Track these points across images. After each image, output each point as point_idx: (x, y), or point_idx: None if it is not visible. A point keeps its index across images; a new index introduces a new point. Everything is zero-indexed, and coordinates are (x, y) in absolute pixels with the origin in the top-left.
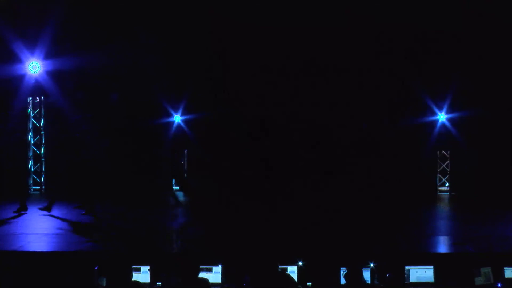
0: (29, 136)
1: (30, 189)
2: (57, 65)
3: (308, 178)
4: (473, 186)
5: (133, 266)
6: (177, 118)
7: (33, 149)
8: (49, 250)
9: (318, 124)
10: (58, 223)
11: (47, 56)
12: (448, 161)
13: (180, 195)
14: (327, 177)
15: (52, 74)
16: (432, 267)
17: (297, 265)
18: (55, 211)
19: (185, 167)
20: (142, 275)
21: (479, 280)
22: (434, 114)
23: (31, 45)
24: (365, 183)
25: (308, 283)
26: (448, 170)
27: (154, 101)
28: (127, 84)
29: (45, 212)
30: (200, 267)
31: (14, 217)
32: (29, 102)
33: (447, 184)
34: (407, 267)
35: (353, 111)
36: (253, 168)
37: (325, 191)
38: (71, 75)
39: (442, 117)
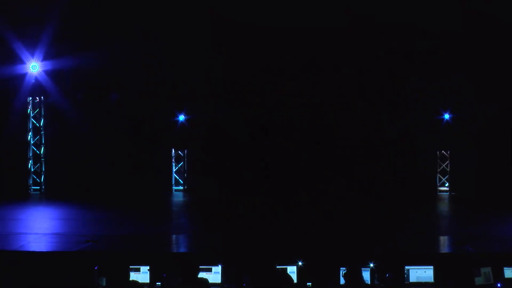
0: (29, 136)
1: (30, 189)
2: (57, 65)
3: (308, 178)
4: (473, 186)
5: (132, 266)
6: (181, 117)
7: (33, 149)
8: (49, 250)
9: (318, 124)
10: (58, 223)
11: (46, 56)
12: (448, 161)
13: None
14: (327, 177)
15: (52, 74)
16: (431, 267)
17: (297, 265)
18: (54, 212)
19: (185, 167)
20: (142, 275)
21: (479, 280)
22: (435, 114)
23: (31, 45)
24: (365, 183)
25: (308, 283)
26: (448, 170)
27: (154, 101)
28: (127, 84)
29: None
30: (200, 267)
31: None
32: (29, 102)
33: (447, 184)
34: (406, 267)
35: (353, 111)
36: (253, 168)
37: (325, 191)
38: (71, 75)
39: (442, 117)
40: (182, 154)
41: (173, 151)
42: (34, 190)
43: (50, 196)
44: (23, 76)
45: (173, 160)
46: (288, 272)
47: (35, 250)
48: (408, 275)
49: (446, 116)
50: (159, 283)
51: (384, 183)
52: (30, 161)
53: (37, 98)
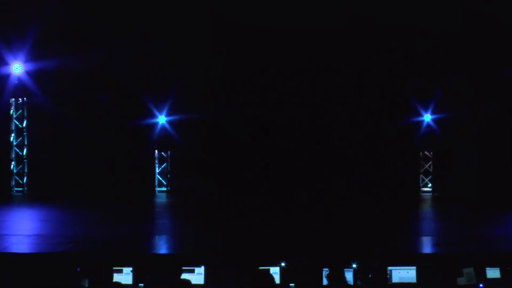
0: (12, 138)
1: (13, 191)
2: (40, 66)
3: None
4: (456, 186)
5: (115, 268)
6: (162, 119)
7: (16, 150)
8: (31, 252)
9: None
10: (40, 224)
11: (30, 57)
12: (430, 162)
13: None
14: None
15: (36, 75)
16: (414, 267)
17: (280, 266)
18: (37, 213)
19: (169, 167)
20: (125, 276)
21: (461, 281)
22: (419, 115)
23: (14, 46)
24: (349, 184)
25: (290, 284)
26: (431, 170)
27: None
28: (115, 85)
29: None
30: (183, 268)
31: None
32: (11, 103)
33: (429, 185)
34: (389, 268)
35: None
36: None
37: (309, 192)
38: (55, 76)
39: (426, 117)
40: (165, 155)
41: (156, 152)
42: (17, 191)
43: (33, 197)
44: (6, 77)
45: (156, 161)
46: (271, 272)
47: (18, 251)
48: (391, 276)
49: (427, 117)
50: (142, 285)
51: (367, 184)
52: (13, 163)
53: (20, 99)
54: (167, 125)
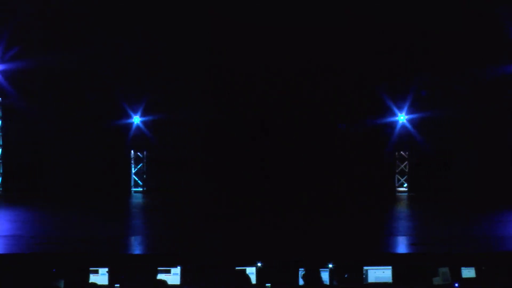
0: None
1: None
2: (14, 66)
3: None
4: (431, 186)
5: (91, 268)
6: (136, 119)
7: None
8: (5, 253)
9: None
10: (14, 225)
11: (5, 57)
12: (406, 162)
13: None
14: (287, 178)
15: (11, 75)
16: (390, 267)
17: (256, 266)
18: (12, 213)
19: (145, 168)
20: (100, 277)
21: (437, 280)
22: (394, 115)
23: None
24: (325, 184)
25: (267, 284)
26: (407, 170)
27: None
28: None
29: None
30: (158, 268)
31: None
32: None
33: (405, 185)
34: (365, 268)
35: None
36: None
37: (286, 191)
38: (32, 76)
39: (401, 118)
40: (141, 156)
41: (132, 152)
42: None
43: (8, 198)
44: None
45: (132, 161)
46: (247, 273)
47: None
48: (366, 276)
49: (401, 117)
50: (118, 285)
51: (343, 184)
52: None
53: None
54: (141, 125)
